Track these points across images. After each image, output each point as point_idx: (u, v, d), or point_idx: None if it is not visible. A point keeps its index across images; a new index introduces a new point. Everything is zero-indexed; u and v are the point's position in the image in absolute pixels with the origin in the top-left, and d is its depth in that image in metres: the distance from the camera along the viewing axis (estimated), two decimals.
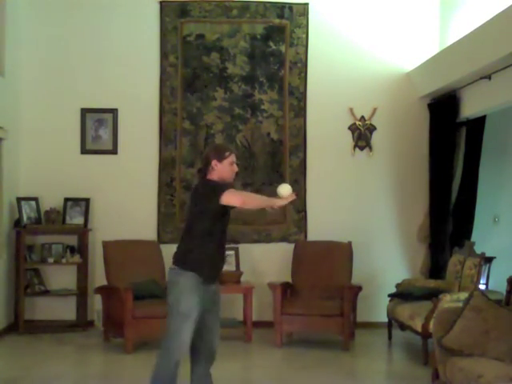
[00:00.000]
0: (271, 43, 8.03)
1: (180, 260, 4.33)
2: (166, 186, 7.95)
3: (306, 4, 8.04)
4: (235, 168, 4.40)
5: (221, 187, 4.26)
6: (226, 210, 4.31)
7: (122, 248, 7.34)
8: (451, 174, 7.67)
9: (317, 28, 8.05)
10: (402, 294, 7.02)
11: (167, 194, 7.94)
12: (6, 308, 7.43)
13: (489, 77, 6.62)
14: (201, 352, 4.43)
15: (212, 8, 8.00)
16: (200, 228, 4.29)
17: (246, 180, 7.96)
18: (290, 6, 8.03)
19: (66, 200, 7.76)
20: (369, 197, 8.12)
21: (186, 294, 4.25)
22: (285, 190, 4.33)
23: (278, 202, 4.23)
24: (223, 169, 4.33)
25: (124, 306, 6.60)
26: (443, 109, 7.68)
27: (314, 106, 8.06)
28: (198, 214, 4.31)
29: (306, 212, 8.04)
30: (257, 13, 8.02)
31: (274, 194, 7.57)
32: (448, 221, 7.68)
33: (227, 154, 4.36)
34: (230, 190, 4.23)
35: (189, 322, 4.23)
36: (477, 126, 7.63)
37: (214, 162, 4.32)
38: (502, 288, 5.71)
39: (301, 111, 8.06)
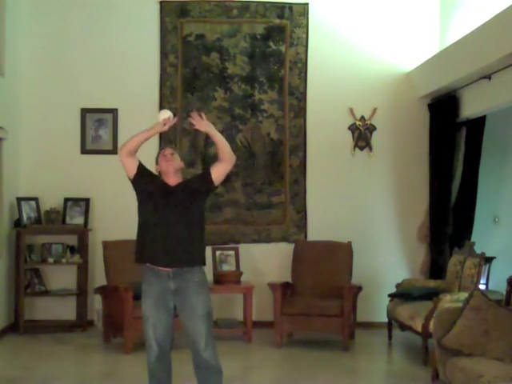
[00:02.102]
0: (271, 43, 8.03)
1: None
2: None
3: (306, 4, 8.04)
4: (167, 158, 4.45)
5: None
6: (141, 186, 4.41)
7: (122, 248, 7.33)
8: (451, 174, 7.67)
9: (317, 28, 8.05)
10: (402, 294, 7.02)
11: None
12: (6, 308, 7.43)
13: (489, 77, 6.62)
14: (193, 363, 4.40)
15: (212, 8, 8.01)
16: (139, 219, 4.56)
17: (246, 180, 7.97)
18: (290, 5, 8.03)
19: (66, 200, 7.76)
20: (369, 197, 8.12)
21: (143, 297, 4.37)
22: (162, 114, 4.43)
23: (153, 130, 4.48)
24: (160, 166, 4.48)
25: (124, 305, 6.60)
26: (443, 109, 7.68)
27: (314, 106, 8.06)
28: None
29: (305, 212, 8.04)
30: (257, 13, 8.02)
31: (274, 194, 7.61)
32: (448, 221, 7.68)
33: (159, 151, 4.55)
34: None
35: (147, 323, 4.32)
36: (477, 125, 7.63)
37: (156, 168, 4.54)
38: (502, 288, 5.72)
39: (301, 111, 8.06)
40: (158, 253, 4.32)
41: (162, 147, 4.70)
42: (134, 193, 7.23)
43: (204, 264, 4.43)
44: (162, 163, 4.46)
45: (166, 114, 4.46)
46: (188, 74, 8.01)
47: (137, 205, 4.54)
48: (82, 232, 7.68)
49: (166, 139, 7.95)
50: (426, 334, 6.17)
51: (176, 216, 4.33)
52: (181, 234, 4.32)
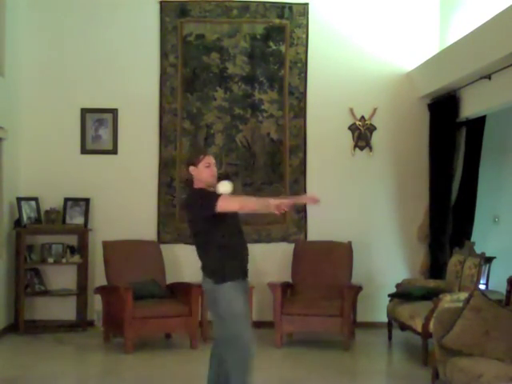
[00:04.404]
0: (271, 43, 8.03)
1: (214, 276, 4.43)
2: (166, 186, 7.95)
3: (306, 4, 8.04)
4: (212, 170, 4.42)
5: (213, 195, 4.32)
6: (225, 215, 4.34)
7: (122, 248, 7.35)
8: (451, 174, 7.66)
9: (317, 28, 8.04)
10: (402, 294, 7.02)
11: (167, 194, 7.94)
12: (6, 308, 7.43)
13: (489, 77, 6.62)
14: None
15: (212, 8, 8.00)
16: (209, 238, 4.39)
17: (246, 180, 7.96)
18: (290, 5, 8.02)
19: (66, 200, 7.76)
20: (369, 197, 8.11)
21: (236, 295, 4.44)
22: (223, 187, 4.36)
23: (273, 202, 4.28)
24: (200, 172, 4.41)
25: (124, 306, 6.59)
26: (443, 109, 7.68)
27: (314, 106, 8.06)
28: (203, 226, 4.38)
29: (305, 212, 8.03)
30: (257, 13, 8.02)
31: (274, 194, 7.55)
32: (448, 221, 7.67)
33: (201, 156, 4.45)
34: (224, 197, 4.29)
35: (246, 319, 4.56)
36: (477, 126, 7.63)
37: (191, 168, 4.44)
38: (502, 288, 5.72)
39: (301, 111, 8.06)
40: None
41: (204, 153, 4.60)
42: (132, 192, 7.32)
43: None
44: (206, 172, 4.41)
45: (228, 187, 4.40)
46: (188, 73, 8.00)
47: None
48: (82, 232, 7.68)
49: (166, 139, 7.96)
50: (425, 334, 6.17)
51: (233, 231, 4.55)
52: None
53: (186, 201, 4.60)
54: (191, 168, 4.44)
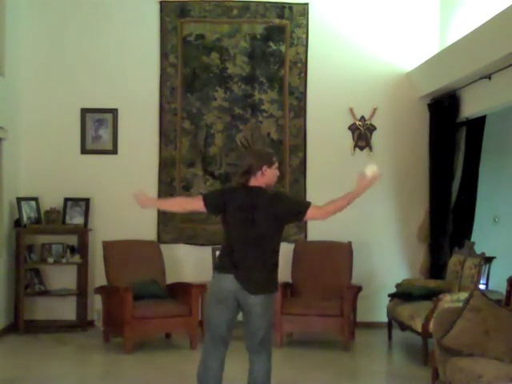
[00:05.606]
0: (271, 43, 8.02)
1: (275, 285, 4.44)
2: (166, 185, 7.95)
3: (306, 4, 8.04)
4: (278, 173, 4.54)
5: (306, 203, 4.44)
6: None
7: (122, 248, 7.34)
8: (451, 174, 7.67)
9: (317, 28, 8.04)
10: (402, 294, 7.02)
11: (167, 194, 7.94)
12: (5, 308, 7.43)
13: (489, 77, 6.62)
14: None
15: (212, 8, 8.00)
16: (278, 246, 4.44)
17: None
18: (290, 5, 8.02)
19: (66, 200, 7.76)
20: (369, 197, 8.04)
21: None
22: (369, 170, 4.52)
23: (358, 193, 4.59)
24: (272, 174, 4.44)
25: (124, 306, 6.59)
26: (443, 109, 7.68)
27: (314, 106, 8.06)
28: (277, 230, 4.39)
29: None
30: (257, 13, 8.02)
31: None
32: (448, 221, 7.68)
33: (274, 159, 4.49)
34: (314, 206, 4.37)
35: None
36: (477, 125, 7.63)
37: (264, 168, 4.40)
38: (502, 288, 5.72)
39: (301, 111, 8.06)
40: None
41: (274, 156, 4.56)
42: (133, 192, 7.09)
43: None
44: (275, 175, 4.47)
45: (373, 169, 4.52)
46: (188, 74, 8.00)
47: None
48: (82, 232, 7.67)
49: (166, 139, 7.96)
50: (425, 334, 6.17)
51: None
52: None
53: (273, 203, 4.35)
54: (265, 168, 4.39)
